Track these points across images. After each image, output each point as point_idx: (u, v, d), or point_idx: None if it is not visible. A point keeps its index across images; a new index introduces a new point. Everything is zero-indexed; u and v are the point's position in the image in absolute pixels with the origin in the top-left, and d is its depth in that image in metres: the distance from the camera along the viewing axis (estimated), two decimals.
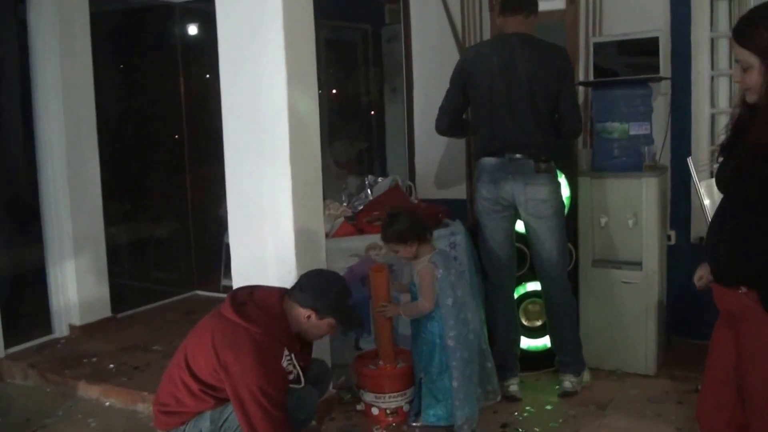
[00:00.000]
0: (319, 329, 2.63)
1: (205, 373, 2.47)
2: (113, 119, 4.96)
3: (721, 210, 2.00)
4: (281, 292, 2.65)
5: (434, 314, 3.13)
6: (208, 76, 5.25)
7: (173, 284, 5.38)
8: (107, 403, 3.72)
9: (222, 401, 2.49)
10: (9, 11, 4.50)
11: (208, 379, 2.47)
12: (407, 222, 3.12)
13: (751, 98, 1.86)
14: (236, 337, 2.42)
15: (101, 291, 4.72)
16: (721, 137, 2.03)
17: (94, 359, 4.15)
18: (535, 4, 3.42)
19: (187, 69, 5.39)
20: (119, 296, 4.87)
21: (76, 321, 4.59)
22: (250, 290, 2.64)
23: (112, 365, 4.04)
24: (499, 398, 3.37)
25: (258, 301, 2.55)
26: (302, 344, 2.68)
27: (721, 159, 2.01)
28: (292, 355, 2.55)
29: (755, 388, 1.91)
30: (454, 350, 3.10)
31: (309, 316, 2.57)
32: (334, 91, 5.54)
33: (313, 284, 2.63)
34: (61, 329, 4.59)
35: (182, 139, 5.41)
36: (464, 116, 3.62)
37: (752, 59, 1.81)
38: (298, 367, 2.58)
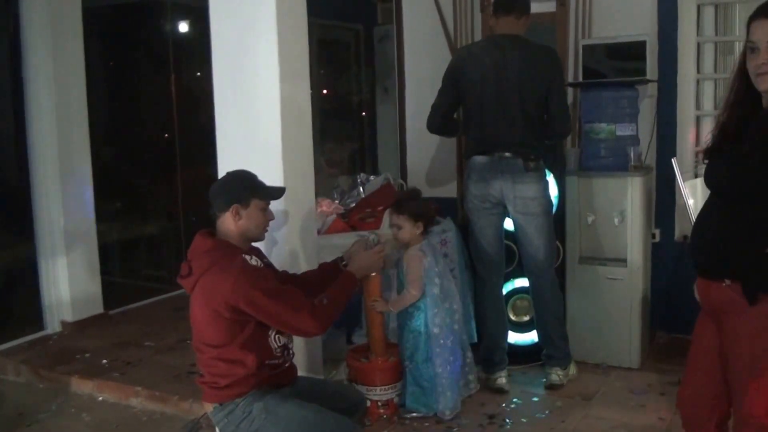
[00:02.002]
0: (255, 218, 2.51)
1: (222, 336, 2.41)
2: (105, 115, 4.96)
3: (707, 206, 2.04)
4: (205, 231, 2.57)
5: (420, 304, 3.20)
6: (199, 73, 5.27)
7: (165, 281, 5.38)
8: (100, 398, 3.75)
9: (255, 333, 2.43)
10: (1, 6, 4.49)
11: (228, 338, 2.41)
12: (427, 206, 3.25)
13: (765, 84, 1.85)
14: (205, 290, 2.39)
15: (93, 287, 4.73)
16: (708, 140, 2.08)
17: (87, 355, 4.16)
18: (527, 6, 3.47)
19: (178, 65, 5.40)
20: (111, 293, 4.88)
21: (68, 317, 4.60)
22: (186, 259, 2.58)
23: (104, 361, 4.06)
24: (478, 387, 3.42)
25: (194, 256, 2.48)
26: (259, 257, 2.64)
27: (706, 162, 2.04)
28: (254, 257, 2.52)
29: (739, 378, 1.95)
30: (438, 337, 3.17)
31: (236, 214, 2.48)
32: (325, 90, 5.57)
33: (216, 189, 2.56)
34: (53, 325, 4.61)
35: (173, 136, 5.41)
36: (455, 116, 3.68)
37: None
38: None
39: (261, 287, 2.38)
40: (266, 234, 2.65)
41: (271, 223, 2.64)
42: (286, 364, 2.59)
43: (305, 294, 2.53)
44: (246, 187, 2.54)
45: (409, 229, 3.18)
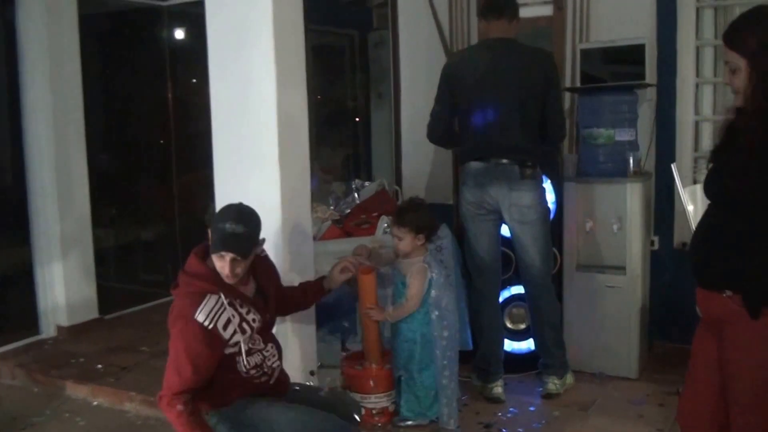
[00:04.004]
0: (217, 263, 2.43)
1: None
2: (101, 122, 4.97)
3: (707, 215, 2.02)
4: (199, 250, 2.51)
5: (416, 313, 3.16)
6: (194, 80, 5.27)
7: (160, 286, 5.38)
8: (95, 403, 3.74)
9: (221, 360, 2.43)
10: None
11: None
12: (427, 215, 3.17)
13: (738, 101, 1.91)
14: (170, 312, 2.43)
15: (89, 292, 4.74)
16: (713, 142, 2.08)
17: (82, 359, 4.17)
18: (516, 9, 3.43)
19: (174, 72, 5.41)
20: (106, 298, 4.89)
21: (64, 322, 4.61)
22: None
23: (99, 365, 4.06)
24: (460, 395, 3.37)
25: (182, 273, 2.45)
26: (263, 294, 2.57)
27: (710, 165, 2.03)
28: (236, 301, 2.43)
29: (740, 390, 1.93)
30: (446, 349, 3.14)
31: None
32: (318, 96, 5.56)
33: (210, 217, 2.52)
34: (48, 330, 4.62)
35: (169, 142, 5.43)
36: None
37: (740, 61, 1.87)
38: (243, 315, 2.44)
39: (179, 346, 2.35)
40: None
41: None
42: (271, 381, 2.56)
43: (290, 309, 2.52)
44: (213, 232, 2.44)
45: (409, 242, 3.12)
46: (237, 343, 2.43)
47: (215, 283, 2.41)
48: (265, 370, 2.54)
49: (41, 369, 4.04)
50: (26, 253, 4.56)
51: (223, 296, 2.42)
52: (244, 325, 2.45)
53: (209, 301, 2.38)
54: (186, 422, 2.37)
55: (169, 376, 2.39)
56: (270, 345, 2.57)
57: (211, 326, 2.36)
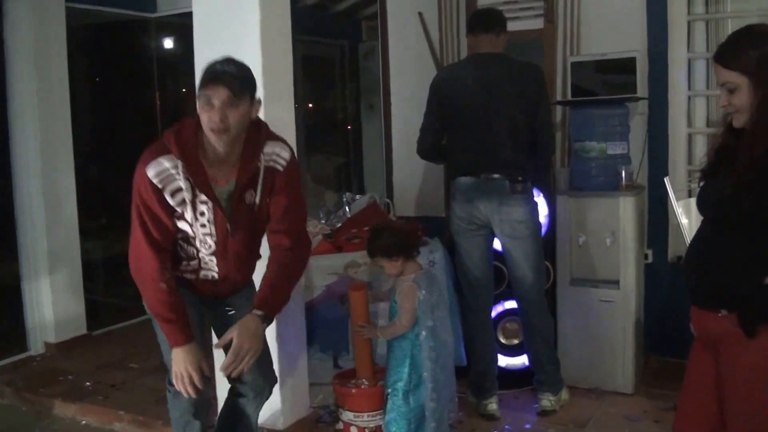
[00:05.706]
0: (201, 113, 2.23)
1: None
2: (89, 134, 4.94)
3: (702, 232, 2.00)
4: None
5: (408, 333, 3.11)
6: (183, 90, 5.26)
7: None
8: (83, 422, 3.70)
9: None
10: None
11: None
12: (392, 237, 3.08)
13: (739, 121, 1.87)
14: None
15: (77, 308, 4.70)
16: (703, 161, 2.05)
17: (70, 377, 4.13)
18: (504, 23, 3.42)
19: (162, 83, 5.40)
20: (95, 313, 4.85)
21: (52, 338, 4.57)
22: None
23: (88, 383, 4.02)
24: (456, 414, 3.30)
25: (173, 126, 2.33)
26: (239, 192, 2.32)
27: (702, 183, 2.01)
28: (192, 180, 2.24)
29: (737, 411, 1.91)
30: (432, 371, 3.09)
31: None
32: (310, 104, 5.56)
33: None
34: (36, 347, 4.57)
35: None
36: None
37: (739, 79, 1.83)
38: (196, 197, 2.27)
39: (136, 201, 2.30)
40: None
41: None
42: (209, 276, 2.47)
43: None
44: (201, 78, 2.18)
45: (389, 266, 3.05)
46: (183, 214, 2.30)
47: (181, 150, 2.21)
48: (200, 276, 2.46)
49: (30, 387, 4.00)
50: (14, 268, 4.52)
51: (181, 165, 2.23)
52: (193, 204, 2.28)
53: (164, 161, 2.23)
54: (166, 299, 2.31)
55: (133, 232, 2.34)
56: (216, 262, 2.41)
57: (161, 186, 2.25)
